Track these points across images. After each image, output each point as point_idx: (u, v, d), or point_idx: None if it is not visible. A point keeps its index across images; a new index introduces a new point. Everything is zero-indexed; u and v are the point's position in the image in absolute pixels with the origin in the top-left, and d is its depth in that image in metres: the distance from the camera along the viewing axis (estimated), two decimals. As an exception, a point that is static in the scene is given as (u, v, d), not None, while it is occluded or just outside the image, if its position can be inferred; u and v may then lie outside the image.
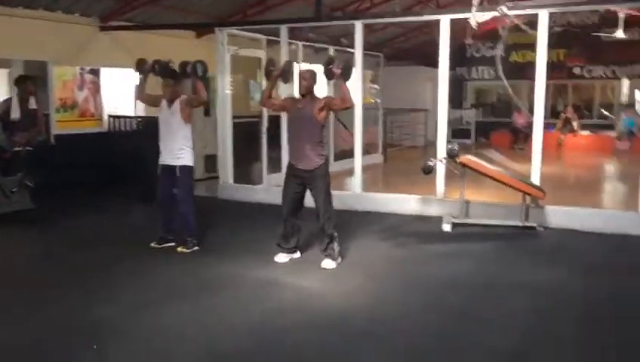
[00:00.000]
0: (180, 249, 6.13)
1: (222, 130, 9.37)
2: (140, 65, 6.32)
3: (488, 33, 9.49)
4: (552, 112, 16.27)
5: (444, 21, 7.74)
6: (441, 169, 7.75)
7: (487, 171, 7.23)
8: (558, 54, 15.93)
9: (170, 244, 6.22)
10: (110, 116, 10.39)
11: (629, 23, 11.80)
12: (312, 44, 12.03)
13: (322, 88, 6.02)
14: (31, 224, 7.11)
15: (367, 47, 8.69)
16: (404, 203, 8.12)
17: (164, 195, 6.18)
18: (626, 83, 17.25)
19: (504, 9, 7.03)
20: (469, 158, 7.20)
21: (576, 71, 17.19)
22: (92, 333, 4.14)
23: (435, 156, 7.71)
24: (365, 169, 8.73)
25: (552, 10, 7.43)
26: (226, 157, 9.38)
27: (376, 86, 14.47)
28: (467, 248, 6.58)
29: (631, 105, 17.06)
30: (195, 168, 6.38)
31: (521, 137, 15.94)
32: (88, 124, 10.20)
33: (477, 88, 19.55)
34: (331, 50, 11.76)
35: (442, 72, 7.87)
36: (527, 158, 7.69)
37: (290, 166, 5.84)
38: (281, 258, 5.84)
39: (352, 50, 8.63)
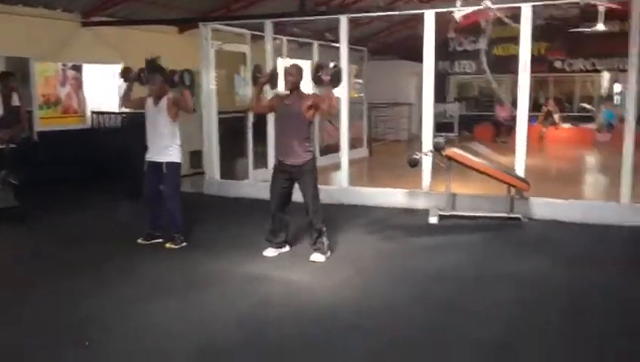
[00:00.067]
0: (168, 245, 6.12)
1: (207, 126, 9.34)
2: (126, 74, 6.27)
3: (470, 27, 9.56)
4: (533, 105, 16.47)
5: (429, 15, 7.78)
6: (427, 162, 7.82)
7: (472, 164, 7.30)
8: (539, 48, 16.10)
9: (157, 240, 6.21)
10: (93, 112, 10.31)
11: (609, 16, 11.96)
12: (296, 38, 12.02)
13: (308, 85, 6.00)
14: (17, 222, 7.04)
15: (352, 41, 8.71)
16: (391, 196, 8.17)
17: (151, 192, 6.17)
18: (605, 76, 17.48)
19: (488, 3, 7.10)
20: (454, 151, 7.27)
21: (557, 64, 17.40)
22: (81, 330, 4.12)
23: (420, 149, 7.77)
24: (351, 163, 8.76)
25: (536, 3, 7.51)
26: (211, 152, 9.36)
27: (360, 80, 14.50)
28: (454, 240, 6.65)
29: (610, 97, 17.31)
30: (181, 165, 6.36)
31: (504, 130, 16.09)
32: (71, 121, 10.12)
33: (459, 82, 19.70)
34: (315, 45, 11.76)
35: (427, 66, 7.91)
36: (510, 151, 7.78)
37: (278, 162, 5.85)
38: (270, 252, 5.86)
39: (336, 45, 8.65)
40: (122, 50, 10.09)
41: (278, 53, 10.25)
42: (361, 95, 13.96)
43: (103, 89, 10.49)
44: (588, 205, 7.55)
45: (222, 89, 10.52)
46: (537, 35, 7.85)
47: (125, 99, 6.33)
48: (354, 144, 12.04)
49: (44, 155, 8.69)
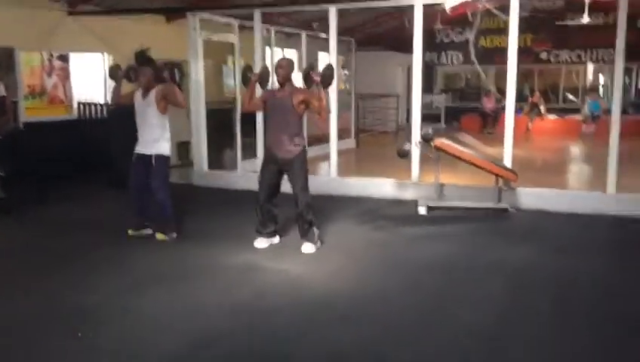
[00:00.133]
0: (159, 236, 6.10)
1: (195, 117, 9.30)
2: (114, 72, 6.21)
3: (457, 19, 9.60)
4: (518, 96, 16.57)
5: (418, 6, 7.80)
6: (416, 153, 7.86)
7: (461, 154, 7.35)
8: (525, 39, 16.21)
9: (147, 231, 6.19)
10: (80, 103, 10.21)
11: (594, 8, 12.07)
12: (283, 29, 11.98)
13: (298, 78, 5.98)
14: (3, 213, 6.98)
15: (339, 32, 8.69)
16: (380, 187, 8.21)
17: (137, 183, 6.09)
18: (590, 67, 17.64)
19: (477, -6, 7.13)
20: (443, 142, 7.31)
21: (543, 56, 17.52)
22: (72, 321, 4.11)
23: (410, 140, 7.81)
24: (339, 154, 8.79)
25: (524, -6, 7.56)
26: (200, 143, 9.33)
27: (347, 71, 14.51)
28: (443, 230, 6.71)
29: (595, 88, 17.49)
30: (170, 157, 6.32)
31: (490, 121, 16.21)
32: (58, 112, 10.01)
33: (446, 73, 19.77)
34: (303, 36, 11.73)
35: (416, 57, 7.93)
36: (497, 142, 7.83)
37: (268, 153, 5.84)
38: (261, 243, 5.87)
39: (324, 36, 8.63)
40: (109, 40, 9.99)
41: (266, 43, 10.20)
42: (348, 86, 13.97)
43: (90, 79, 10.37)
44: (574, 195, 7.65)
45: (210, 79, 10.47)
46: (523, 26, 7.90)
47: (116, 96, 6.27)
48: (341, 135, 12.08)
49: (30, 146, 8.59)
